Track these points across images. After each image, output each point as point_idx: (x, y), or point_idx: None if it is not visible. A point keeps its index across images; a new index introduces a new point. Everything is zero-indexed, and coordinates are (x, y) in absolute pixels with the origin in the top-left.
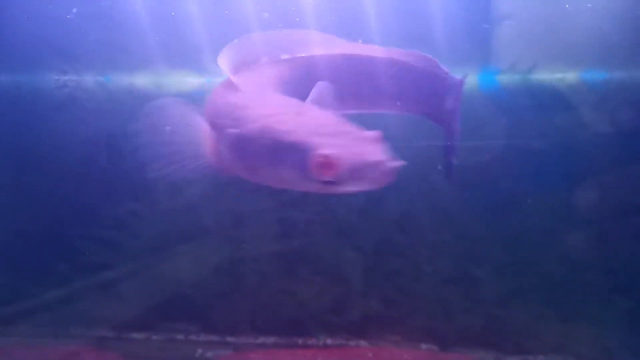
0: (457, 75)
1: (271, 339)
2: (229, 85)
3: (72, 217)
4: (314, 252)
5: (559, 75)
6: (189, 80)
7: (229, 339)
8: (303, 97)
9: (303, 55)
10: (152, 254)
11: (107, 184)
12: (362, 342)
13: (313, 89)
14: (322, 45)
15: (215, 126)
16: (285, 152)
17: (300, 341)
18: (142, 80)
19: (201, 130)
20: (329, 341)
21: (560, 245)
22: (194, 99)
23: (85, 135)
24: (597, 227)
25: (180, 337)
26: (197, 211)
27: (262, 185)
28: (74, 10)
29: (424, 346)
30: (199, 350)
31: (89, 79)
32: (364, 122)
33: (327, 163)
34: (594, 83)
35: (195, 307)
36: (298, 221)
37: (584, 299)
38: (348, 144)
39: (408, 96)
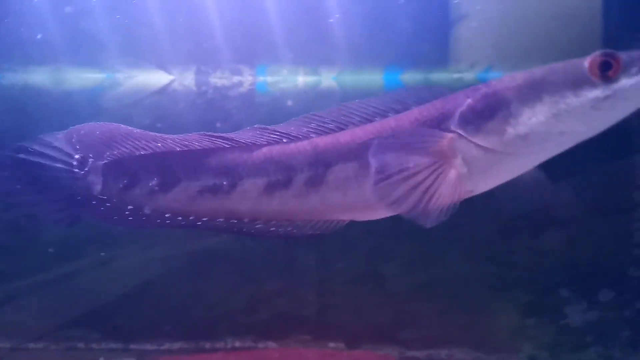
0: None
1: (177, 345)
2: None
3: None
4: (224, 252)
5: (457, 76)
6: (90, 76)
7: (133, 345)
8: None
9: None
10: (51, 259)
11: None
12: (271, 344)
13: None
14: None
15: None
16: (546, 80)
17: (208, 345)
18: (38, 76)
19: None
20: (237, 344)
21: (464, 240)
22: (95, 95)
23: None
24: (498, 222)
25: (81, 345)
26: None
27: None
28: None
29: (331, 344)
30: (101, 359)
31: None
32: None
33: (608, 59)
34: None
35: (97, 313)
36: None
37: (487, 292)
38: None
39: None
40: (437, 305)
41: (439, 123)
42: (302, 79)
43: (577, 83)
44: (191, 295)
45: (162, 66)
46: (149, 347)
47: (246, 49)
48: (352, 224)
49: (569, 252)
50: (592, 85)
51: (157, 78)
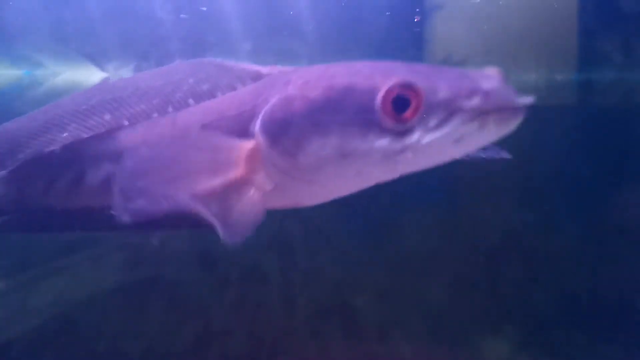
0: None
1: None
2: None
3: None
4: (166, 283)
5: None
6: (3, 73)
7: None
8: None
9: None
10: None
11: None
12: None
13: None
14: None
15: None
16: (341, 103)
17: None
18: None
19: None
20: None
21: (445, 268)
22: (12, 95)
23: None
24: (480, 251)
25: None
26: (20, 241)
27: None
28: None
29: None
30: None
31: None
32: None
33: (405, 94)
34: None
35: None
36: (144, 247)
37: (469, 327)
38: (432, 74)
39: None
40: (414, 341)
41: (249, 121)
42: None
43: (367, 122)
44: (126, 336)
45: (94, 61)
46: None
47: (196, 41)
48: (320, 249)
49: (558, 283)
50: (381, 129)
51: (87, 75)
